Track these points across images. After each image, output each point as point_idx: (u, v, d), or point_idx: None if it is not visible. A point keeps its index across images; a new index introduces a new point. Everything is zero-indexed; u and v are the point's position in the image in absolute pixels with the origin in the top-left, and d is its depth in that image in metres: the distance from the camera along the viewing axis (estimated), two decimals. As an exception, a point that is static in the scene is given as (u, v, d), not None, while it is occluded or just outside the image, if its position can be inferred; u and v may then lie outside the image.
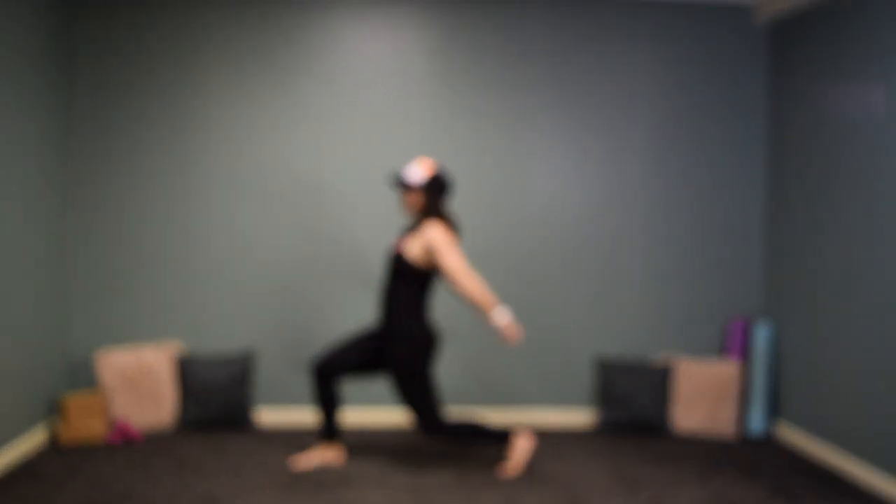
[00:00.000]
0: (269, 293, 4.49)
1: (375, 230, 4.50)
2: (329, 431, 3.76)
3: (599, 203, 4.60)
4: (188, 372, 4.29)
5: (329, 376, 3.69)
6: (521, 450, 3.72)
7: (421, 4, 4.48)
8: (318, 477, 3.59)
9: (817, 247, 4.12)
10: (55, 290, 4.20)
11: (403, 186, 3.63)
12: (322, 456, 3.78)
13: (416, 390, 3.58)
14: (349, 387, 4.54)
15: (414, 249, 3.56)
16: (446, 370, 4.55)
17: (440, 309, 4.54)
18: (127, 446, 4.00)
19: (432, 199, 3.61)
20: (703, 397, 4.39)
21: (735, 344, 4.53)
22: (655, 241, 4.63)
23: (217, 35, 4.41)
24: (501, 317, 3.49)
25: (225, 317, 4.48)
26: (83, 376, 4.39)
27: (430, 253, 3.54)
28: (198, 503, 3.25)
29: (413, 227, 3.65)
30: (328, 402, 3.72)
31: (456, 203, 4.51)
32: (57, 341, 4.24)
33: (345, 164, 4.47)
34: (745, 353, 4.52)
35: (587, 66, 4.56)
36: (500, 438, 3.70)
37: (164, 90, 4.39)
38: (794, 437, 4.29)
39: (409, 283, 3.59)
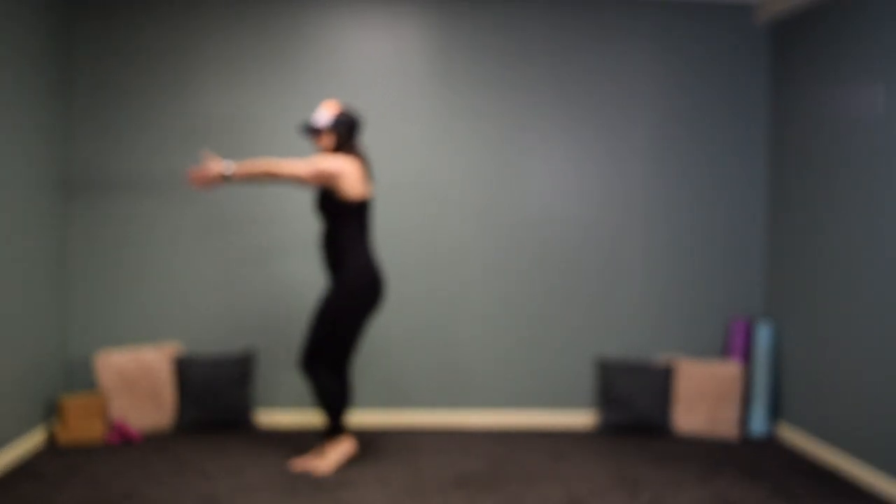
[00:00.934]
0: (268, 293, 4.48)
1: (376, 229, 4.49)
2: (336, 426, 3.68)
3: (600, 203, 4.59)
4: (187, 373, 4.28)
5: (316, 364, 3.62)
6: (341, 451, 3.69)
7: (421, 4, 4.48)
8: (318, 478, 3.58)
9: (818, 247, 4.12)
10: (54, 291, 4.20)
11: (313, 132, 3.65)
12: (340, 452, 3.71)
13: (330, 326, 3.55)
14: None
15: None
16: (447, 371, 4.54)
17: (440, 309, 4.53)
18: (126, 447, 3.99)
19: (342, 137, 3.64)
20: (704, 398, 4.38)
21: (736, 344, 4.53)
22: (656, 242, 4.62)
23: (217, 35, 4.41)
24: (227, 169, 3.48)
25: (224, 317, 4.47)
26: (82, 377, 4.37)
27: (332, 181, 3.53)
28: (198, 503, 3.24)
29: None
30: (326, 395, 3.63)
31: (456, 203, 4.50)
32: (56, 342, 4.23)
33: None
34: (746, 354, 4.51)
35: (587, 66, 4.56)
36: (335, 429, 3.65)
37: (164, 90, 4.39)
38: (795, 437, 4.28)
39: (340, 223, 3.59)
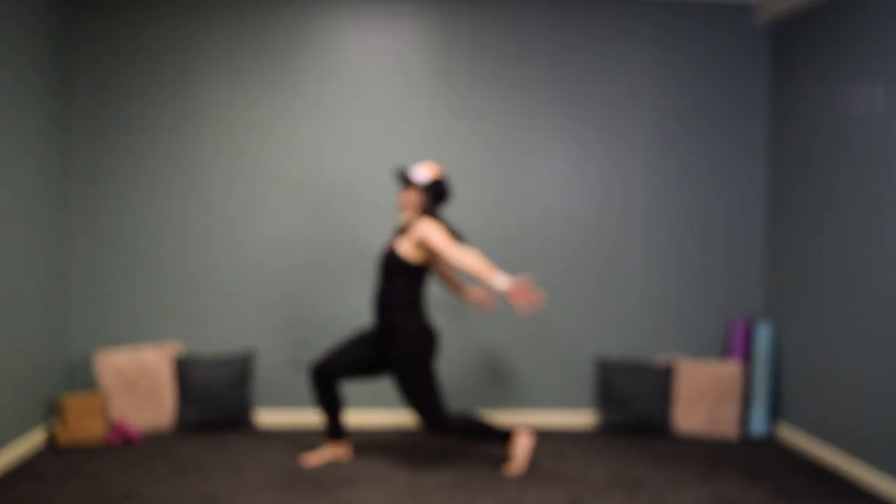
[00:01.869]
0: (268, 294, 4.48)
1: (376, 230, 4.49)
2: (334, 431, 3.78)
3: (600, 203, 4.59)
4: (187, 373, 4.28)
5: (328, 380, 3.70)
6: (523, 447, 3.72)
7: (421, 4, 4.48)
8: (319, 477, 3.58)
9: (818, 247, 4.12)
10: (54, 291, 4.20)
11: (406, 182, 3.64)
12: (332, 453, 3.82)
13: (420, 388, 3.58)
14: (349, 387, 4.53)
15: (405, 245, 3.59)
16: (447, 371, 4.54)
17: (440, 307, 4.53)
18: (126, 447, 3.99)
19: (430, 201, 3.63)
20: (704, 398, 4.38)
21: (736, 344, 4.53)
22: (656, 242, 4.62)
23: (217, 34, 4.41)
24: (502, 282, 3.38)
25: (224, 317, 4.47)
26: (82, 377, 4.37)
27: (421, 246, 3.56)
28: (198, 503, 3.24)
29: (405, 228, 3.67)
30: (330, 404, 3.74)
31: (456, 203, 4.50)
32: (56, 342, 4.23)
33: (345, 165, 4.47)
34: (746, 354, 4.51)
35: (587, 66, 4.56)
36: (502, 437, 3.70)
37: (163, 90, 4.39)
38: (795, 437, 4.28)
39: (404, 280, 3.60)
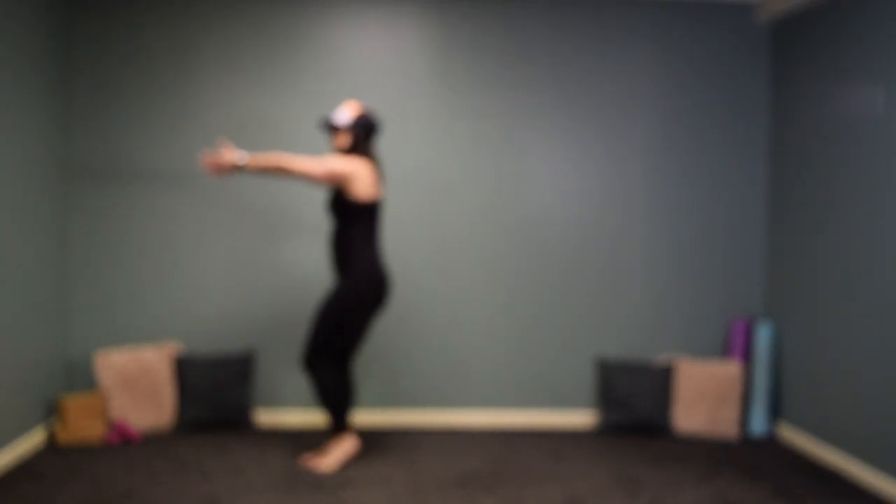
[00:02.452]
0: (268, 293, 4.47)
1: (375, 230, 4.49)
2: (338, 424, 3.69)
3: (600, 203, 4.59)
4: (187, 372, 4.28)
5: (317, 362, 3.63)
6: (343, 449, 3.70)
7: (421, 4, 4.48)
8: (318, 478, 3.58)
9: (818, 247, 4.12)
10: (54, 291, 4.19)
11: (331, 128, 3.69)
12: (342, 451, 3.72)
13: (331, 320, 3.57)
14: (349, 387, 4.52)
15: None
16: (447, 371, 4.54)
17: (440, 309, 4.53)
18: (126, 447, 3.99)
19: (358, 139, 3.67)
20: (705, 398, 4.38)
21: (736, 344, 4.52)
22: (656, 242, 4.62)
23: (216, 34, 4.41)
24: (242, 158, 3.47)
25: (224, 317, 4.46)
26: (82, 377, 4.37)
27: (343, 182, 3.56)
28: (198, 503, 3.23)
29: None
30: (328, 393, 3.64)
31: (456, 203, 4.50)
32: (55, 342, 4.23)
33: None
34: (746, 354, 4.51)
35: (587, 65, 4.55)
36: (338, 425, 3.67)
37: (163, 90, 4.39)
38: (796, 437, 4.27)
39: (349, 221, 3.61)
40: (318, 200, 4.47)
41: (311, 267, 4.48)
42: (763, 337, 4.44)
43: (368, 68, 4.46)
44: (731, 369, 4.39)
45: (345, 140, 3.68)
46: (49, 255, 4.12)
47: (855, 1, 3.84)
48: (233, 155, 3.47)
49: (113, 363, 4.17)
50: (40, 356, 4.03)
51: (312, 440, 4.17)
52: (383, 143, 4.47)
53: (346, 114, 3.68)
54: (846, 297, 3.86)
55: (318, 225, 4.47)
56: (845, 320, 3.86)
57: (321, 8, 4.44)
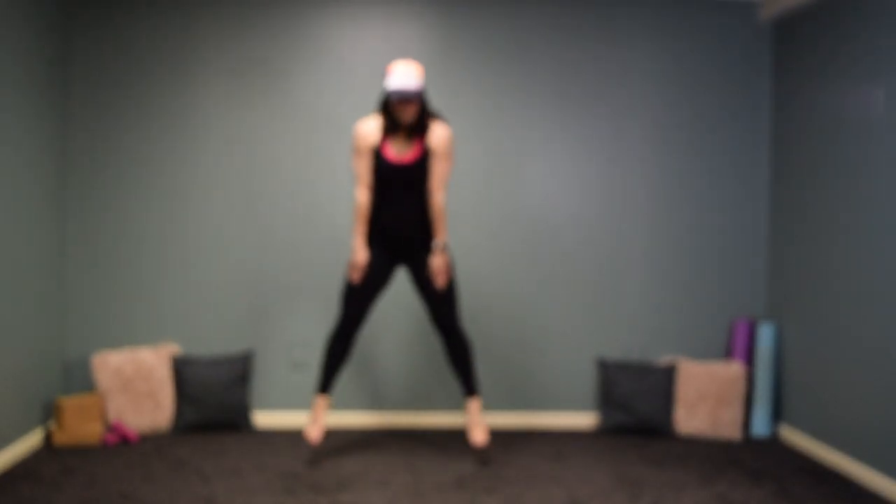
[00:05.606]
0: (267, 294, 4.46)
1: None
2: (329, 385, 3.74)
3: (601, 203, 4.57)
4: (185, 374, 4.26)
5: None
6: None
7: (421, 4, 4.47)
8: (317, 479, 3.56)
9: (821, 248, 4.10)
10: (52, 293, 4.18)
11: (413, 98, 3.39)
12: (323, 411, 3.75)
13: (456, 288, 3.71)
14: (346, 389, 4.49)
15: (427, 154, 3.55)
16: (447, 371, 4.52)
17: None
18: (123, 448, 3.97)
19: (427, 103, 3.55)
20: (706, 399, 4.36)
21: (738, 346, 4.50)
22: (658, 242, 4.60)
23: (215, 35, 4.39)
24: (445, 248, 3.57)
25: (222, 318, 4.45)
26: (79, 379, 4.35)
27: (432, 154, 3.53)
28: (195, 505, 3.22)
29: (406, 133, 3.53)
30: (341, 358, 3.70)
31: (456, 203, 4.48)
32: (53, 343, 4.21)
33: (345, 165, 4.45)
34: (748, 355, 4.49)
35: (588, 64, 4.54)
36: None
37: (162, 91, 4.37)
38: (798, 438, 4.25)
39: (421, 193, 3.60)
40: (317, 201, 4.45)
41: (310, 267, 4.46)
42: (765, 338, 4.42)
43: (368, 68, 4.45)
44: (732, 370, 4.36)
45: (416, 107, 3.43)
46: (46, 257, 4.10)
47: (856, 0, 3.83)
48: (441, 255, 3.56)
49: (110, 364, 4.15)
50: (38, 357, 4.01)
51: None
52: (383, 143, 4.45)
53: (416, 78, 3.40)
54: (848, 298, 3.84)
55: (318, 226, 4.46)
56: (848, 321, 3.84)
57: (321, 8, 4.43)
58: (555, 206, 4.55)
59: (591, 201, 4.57)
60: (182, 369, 4.27)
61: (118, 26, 4.34)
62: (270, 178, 4.44)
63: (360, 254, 3.61)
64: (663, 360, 4.58)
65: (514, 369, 4.56)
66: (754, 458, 4.04)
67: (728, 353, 4.60)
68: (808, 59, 4.25)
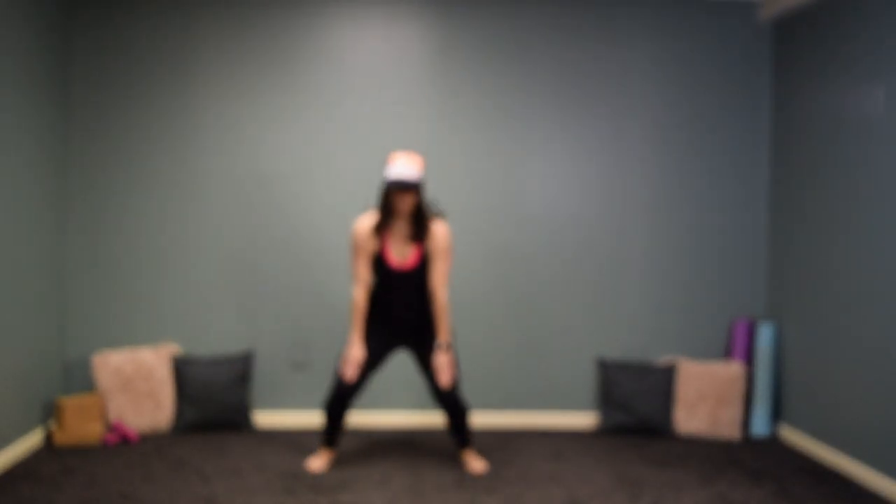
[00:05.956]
0: (267, 294, 4.45)
1: (375, 231, 4.47)
2: (333, 440, 3.72)
3: (601, 203, 4.57)
4: (185, 373, 4.26)
5: (350, 399, 3.65)
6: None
7: (421, 4, 4.47)
8: (317, 479, 3.56)
9: (820, 248, 4.10)
10: (52, 293, 4.18)
11: (411, 188, 3.42)
12: (329, 458, 3.76)
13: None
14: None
15: (425, 256, 3.58)
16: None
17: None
18: (124, 448, 3.97)
19: (424, 195, 3.55)
20: (706, 399, 4.36)
21: (738, 345, 4.50)
22: (658, 242, 4.60)
23: (215, 36, 4.39)
24: (449, 346, 3.62)
25: (223, 318, 4.44)
26: (80, 378, 4.35)
27: (432, 254, 3.55)
28: (195, 505, 3.22)
29: (408, 235, 3.55)
30: (340, 418, 3.69)
31: (456, 204, 4.48)
32: (53, 343, 4.21)
33: (345, 165, 4.45)
34: (748, 355, 4.49)
35: (588, 65, 4.54)
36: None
37: (162, 91, 4.37)
38: (797, 438, 4.25)
39: (422, 287, 3.64)
40: (317, 201, 4.45)
41: (310, 268, 4.46)
42: (765, 338, 4.42)
43: (368, 68, 4.44)
44: (732, 370, 4.37)
45: (414, 198, 3.44)
46: (47, 257, 4.10)
47: (856, 0, 3.83)
48: (445, 354, 3.59)
49: (111, 364, 4.15)
50: (38, 357, 4.01)
51: (311, 442, 4.14)
52: (383, 146, 4.45)
53: (415, 169, 3.44)
54: (848, 298, 3.84)
55: (319, 226, 4.45)
56: (847, 321, 3.84)
57: (321, 8, 4.43)
58: (555, 205, 4.55)
59: (591, 201, 4.57)
60: (182, 369, 4.27)
61: (118, 26, 4.34)
62: (271, 177, 4.44)
63: (357, 351, 3.60)
64: (663, 360, 4.59)
65: (514, 369, 4.56)
66: (754, 458, 4.04)
67: (728, 353, 4.60)
68: (808, 59, 4.25)
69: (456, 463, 3.83)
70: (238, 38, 4.40)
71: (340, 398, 3.62)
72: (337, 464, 3.78)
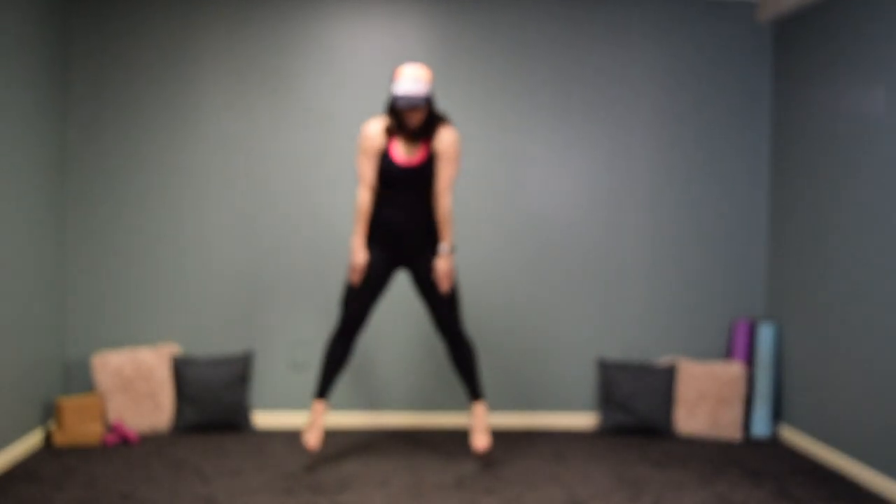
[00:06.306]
0: (267, 295, 4.45)
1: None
2: (326, 389, 3.68)
3: (601, 203, 4.57)
4: (185, 374, 4.26)
5: (355, 335, 3.64)
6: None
7: (421, 4, 4.47)
8: (317, 479, 3.56)
9: (822, 248, 4.09)
10: (51, 293, 4.17)
11: (419, 106, 3.39)
12: (321, 416, 3.69)
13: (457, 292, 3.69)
14: (345, 390, 4.49)
15: (432, 156, 3.53)
16: (448, 371, 4.51)
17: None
18: (123, 448, 3.96)
19: (435, 107, 3.53)
20: (706, 399, 4.35)
21: (738, 346, 4.50)
22: (658, 243, 4.60)
23: (215, 36, 4.39)
24: (451, 251, 3.58)
25: (222, 319, 4.44)
26: (79, 379, 4.35)
27: (439, 157, 3.52)
28: (195, 505, 3.22)
29: (415, 135, 3.50)
30: (340, 362, 3.66)
31: (456, 204, 4.47)
32: (53, 343, 4.21)
33: (345, 165, 4.45)
34: (748, 356, 4.49)
35: (588, 64, 4.53)
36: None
37: (162, 91, 4.37)
38: (798, 439, 4.25)
39: (424, 195, 3.59)
40: (317, 202, 4.45)
41: (310, 267, 4.46)
42: (765, 338, 4.41)
43: (368, 68, 4.44)
44: (733, 370, 4.36)
45: (424, 111, 3.43)
46: (46, 257, 4.10)
47: (856, 0, 3.83)
48: (446, 259, 3.56)
49: (110, 364, 4.15)
50: (38, 357, 4.01)
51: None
52: (383, 143, 4.45)
53: (424, 83, 3.39)
54: (849, 298, 3.83)
55: (319, 226, 4.45)
56: (848, 321, 3.84)
57: (321, 7, 4.43)
58: (555, 205, 4.55)
59: (591, 201, 4.57)
60: (182, 369, 4.27)
61: (118, 26, 4.34)
62: (271, 177, 4.43)
63: (360, 254, 3.60)
64: (663, 360, 4.58)
65: (514, 370, 4.56)
66: (754, 458, 4.04)
67: (728, 354, 4.60)
68: (807, 60, 4.25)
69: (456, 463, 3.83)
70: (238, 38, 4.40)
71: (347, 328, 3.61)
72: (337, 464, 3.78)
